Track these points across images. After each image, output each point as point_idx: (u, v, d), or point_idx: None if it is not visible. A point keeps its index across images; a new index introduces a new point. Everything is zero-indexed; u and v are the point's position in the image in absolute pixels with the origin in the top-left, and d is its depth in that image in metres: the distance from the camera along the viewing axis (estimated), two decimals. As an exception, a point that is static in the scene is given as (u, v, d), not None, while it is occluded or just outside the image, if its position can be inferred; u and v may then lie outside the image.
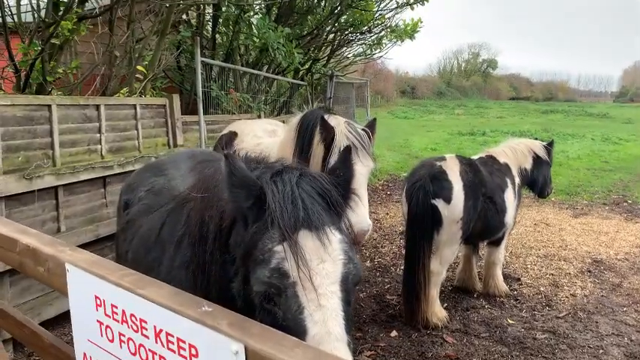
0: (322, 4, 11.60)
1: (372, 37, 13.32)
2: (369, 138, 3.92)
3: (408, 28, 12.62)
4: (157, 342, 1.56)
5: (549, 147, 6.05)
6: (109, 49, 5.95)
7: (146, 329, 1.59)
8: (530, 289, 5.99)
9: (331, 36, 12.61)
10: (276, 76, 10.74)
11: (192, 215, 2.12)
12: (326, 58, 13.43)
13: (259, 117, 8.70)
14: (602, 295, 5.82)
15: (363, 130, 3.91)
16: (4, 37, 5.40)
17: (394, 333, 4.96)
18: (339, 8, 11.22)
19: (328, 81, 12.19)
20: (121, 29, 6.66)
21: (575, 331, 4.99)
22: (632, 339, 4.84)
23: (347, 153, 1.91)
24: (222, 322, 1.39)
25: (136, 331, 1.63)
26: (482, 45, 78.87)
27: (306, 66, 12.28)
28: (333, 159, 3.70)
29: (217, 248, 1.84)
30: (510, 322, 5.18)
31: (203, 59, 6.97)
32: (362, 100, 17.82)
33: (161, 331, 1.53)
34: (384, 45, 13.61)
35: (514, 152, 5.86)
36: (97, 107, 5.32)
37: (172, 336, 1.50)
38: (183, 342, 1.47)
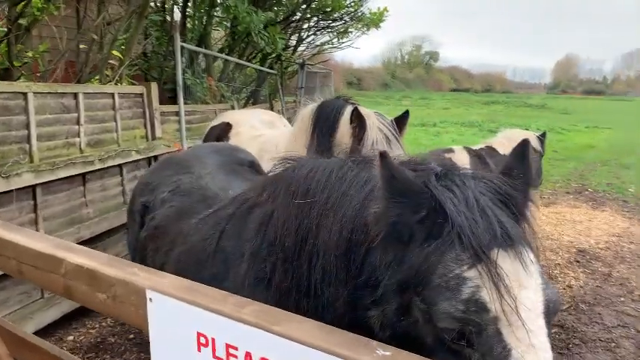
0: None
1: (339, 25, 13.01)
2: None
3: (375, 16, 12.41)
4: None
5: (542, 138, 6.04)
6: (81, 31, 5.35)
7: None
8: (526, 282, 5.95)
9: (299, 23, 12.20)
10: (249, 64, 10.21)
11: (278, 224, 1.77)
12: (294, 45, 13.00)
13: (232, 107, 8.24)
14: (597, 286, 5.85)
15: (392, 121, 3.65)
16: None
17: None
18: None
19: (299, 70, 11.80)
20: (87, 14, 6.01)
21: (582, 324, 4.95)
22: (638, 329, 4.86)
23: (524, 148, 1.54)
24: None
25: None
26: (425, 37, 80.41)
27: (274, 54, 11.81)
28: None
29: (342, 268, 1.50)
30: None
31: (183, 44, 6.44)
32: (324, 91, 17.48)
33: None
34: (349, 33, 13.38)
35: (512, 144, 5.77)
36: (75, 96, 4.75)
37: (336, 388, 1.17)
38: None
